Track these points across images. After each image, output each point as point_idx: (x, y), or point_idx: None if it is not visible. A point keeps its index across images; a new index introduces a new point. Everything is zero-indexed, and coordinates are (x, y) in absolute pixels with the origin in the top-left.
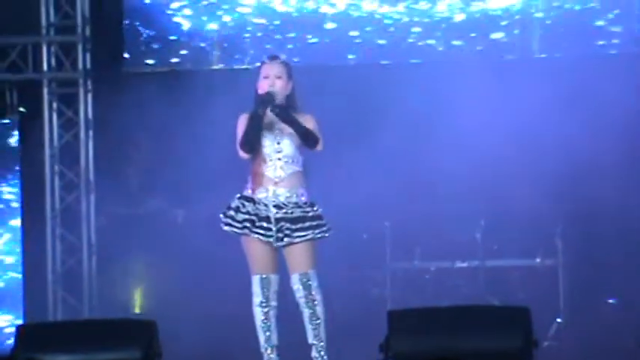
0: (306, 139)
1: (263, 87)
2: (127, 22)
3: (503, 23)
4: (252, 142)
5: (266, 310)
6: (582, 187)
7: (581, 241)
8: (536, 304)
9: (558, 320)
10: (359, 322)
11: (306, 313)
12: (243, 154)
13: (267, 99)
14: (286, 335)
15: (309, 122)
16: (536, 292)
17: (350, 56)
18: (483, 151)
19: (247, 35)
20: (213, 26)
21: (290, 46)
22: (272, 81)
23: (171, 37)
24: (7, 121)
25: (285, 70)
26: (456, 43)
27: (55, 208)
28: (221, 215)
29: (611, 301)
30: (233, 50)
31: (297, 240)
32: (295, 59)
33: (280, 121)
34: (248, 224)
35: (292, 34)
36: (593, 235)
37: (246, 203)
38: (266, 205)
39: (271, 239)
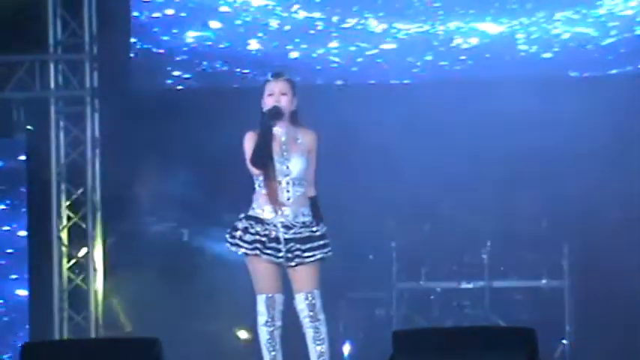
0: None
1: (268, 104)
2: (134, 40)
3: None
4: (264, 157)
5: (271, 329)
6: (589, 209)
7: (588, 263)
8: (542, 325)
9: (564, 342)
10: (364, 343)
11: (310, 333)
12: (255, 170)
13: (276, 112)
14: (291, 355)
15: (309, 136)
16: (542, 313)
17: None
18: (490, 173)
19: (258, 54)
20: (221, 45)
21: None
22: (277, 98)
23: (179, 56)
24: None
25: (290, 86)
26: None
27: (61, 226)
28: (227, 235)
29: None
30: (240, 69)
31: (307, 260)
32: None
33: None
34: (259, 245)
35: (296, 54)
36: (599, 256)
37: (254, 224)
38: (275, 225)
39: (281, 260)
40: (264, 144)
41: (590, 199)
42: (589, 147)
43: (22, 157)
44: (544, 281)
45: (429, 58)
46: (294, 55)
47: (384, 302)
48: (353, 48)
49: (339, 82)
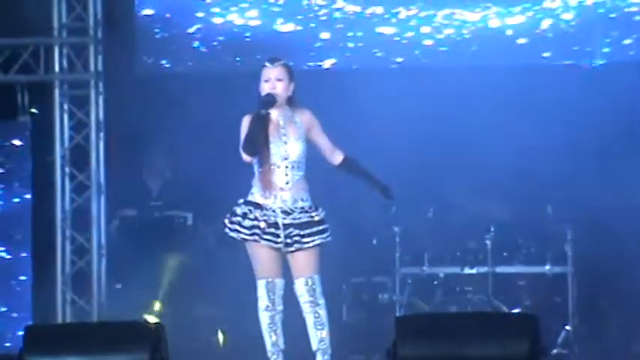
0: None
1: (264, 90)
2: (139, 23)
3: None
4: (254, 145)
5: (272, 314)
6: (592, 194)
7: (591, 248)
8: (545, 311)
9: (567, 328)
10: (367, 328)
11: (310, 318)
12: (245, 157)
13: (268, 100)
14: (292, 340)
15: (305, 115)
16: (545, 299)
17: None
18: (494, 158)
19: (261, 37)
20: (227, 28)
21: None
22: (272, 84)
23: (185, 39)
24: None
25: (286, 72)
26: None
27: (65, 209)
28: (226, 221)
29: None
30: (246, 53)
31: (306, 246)
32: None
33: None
34: (257, 231)
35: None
36: (602, 242)
37: (253, 209)
38: (274, 211)
39: (280, 245)
40: (255, 131)
41: (594, 184)
42: (593, 134)
43: (27, 140)
44: (547, 267)
45: (433, 42)
46: (291, 38)
47: (387, 287)
48: (355, 34)
49: (329, 63)
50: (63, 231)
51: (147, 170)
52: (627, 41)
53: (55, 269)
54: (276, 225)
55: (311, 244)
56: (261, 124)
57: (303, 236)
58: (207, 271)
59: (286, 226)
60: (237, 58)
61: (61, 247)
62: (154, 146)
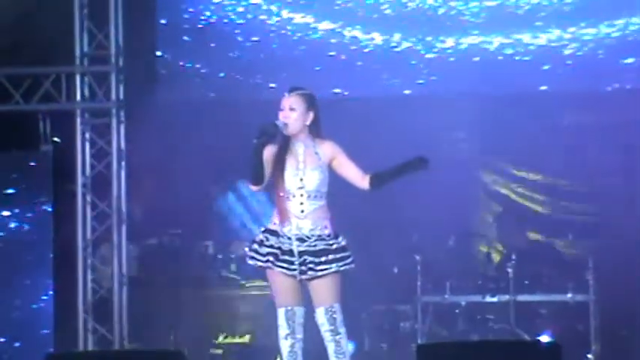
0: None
1: (279, 118)
2: (160, 52)
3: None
4: (256, 174)
5: (292, 342)
6: (614, 223)
7: (613, 277)
8: (566, 339)
9: (589, 356)
10: (389, 356)
11: (331, 347)
12: (252, 187)
13: (268, 130)
14: None
15: (325, 146)
16: (566, 327)
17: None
18: (515, 186)
19: (279, 65)
20: (246, 56)
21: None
22: (286, 113)
23: (205, 67)
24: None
25: (302, 101)
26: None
27: (86, 237)
28: (246, 249)
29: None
30: (267, 80)
31: (321, 273)
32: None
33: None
34: (271, 257)
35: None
36: (624, 270)
37: (270, 236)
38: (289, 238)
39: (295, 272)
40: (253, 161)
41: (616, 212)
42: (614, 161)
43: (49, 169)
44: (569, 295)
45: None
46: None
47: (408, 315)
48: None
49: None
50: (84, 259)
51: (162, 195)
52: None
53: (76, 297)
54: (290, 252)
55: (326, 272)
56: (257, 154)
57: (317, 264)
58: (230, 300)
59: (301, 254)
60: (258, 81)
61: (82, 275)
62: (172, 171)
